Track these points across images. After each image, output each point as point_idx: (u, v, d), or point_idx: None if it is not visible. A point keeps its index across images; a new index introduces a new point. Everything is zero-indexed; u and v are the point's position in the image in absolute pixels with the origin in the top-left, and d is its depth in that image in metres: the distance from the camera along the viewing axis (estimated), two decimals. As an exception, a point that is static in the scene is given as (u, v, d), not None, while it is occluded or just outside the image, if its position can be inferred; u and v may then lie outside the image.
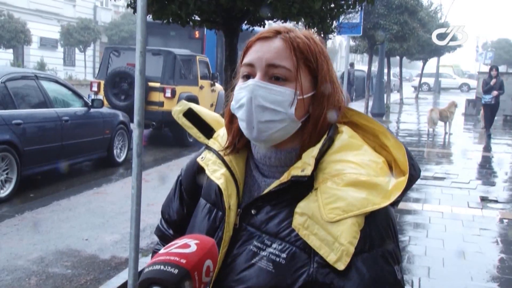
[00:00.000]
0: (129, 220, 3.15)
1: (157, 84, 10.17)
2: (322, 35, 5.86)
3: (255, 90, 1.03)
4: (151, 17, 4.31)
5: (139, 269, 3.20)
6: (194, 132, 1.23)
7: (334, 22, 5.76)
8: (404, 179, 1.00)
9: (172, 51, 10.60)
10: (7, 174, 6.16)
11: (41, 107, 6.92)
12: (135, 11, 3.59)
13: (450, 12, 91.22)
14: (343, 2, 4.83)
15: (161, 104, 10.15)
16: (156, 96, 10.18)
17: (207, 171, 1.15)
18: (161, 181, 7.27)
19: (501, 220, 6.05)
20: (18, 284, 3.97)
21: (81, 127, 7.60)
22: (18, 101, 6.58)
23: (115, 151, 8.43)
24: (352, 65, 23.65)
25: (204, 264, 0.93)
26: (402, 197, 1.00)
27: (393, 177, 1.02)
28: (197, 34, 13.83)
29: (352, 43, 16.93)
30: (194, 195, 1.23)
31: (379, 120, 1.14)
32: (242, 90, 1.06)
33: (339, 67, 47.23)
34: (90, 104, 7.84)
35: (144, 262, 3.56)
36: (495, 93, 13.06)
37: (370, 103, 17.06)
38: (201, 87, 11.39)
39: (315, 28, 4.85)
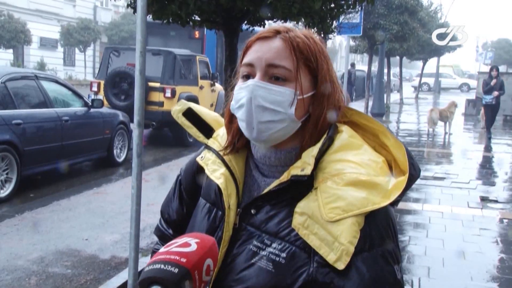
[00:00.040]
0: (129, 220, 3.15)
1: (157, 84, 10.17)
2: (322, 35, 5.86)
3: (255, 91, 1.03)
4: (151, 17, 4.31)
5: (139, 269, 3.21)
6: (193, 131, 1.23)
7: (334, 22, 5.76)
8: (404, 179, 0.99)
9: (172, 51, 10.60)
10: (7, 174, 6.16)
11: (41, 107, 6.92)
12: (135, 11, 3.59)
13: (450, 12, 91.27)
14: (343, 2, 4.83)
15: (161, 104, 10.15)
16: (156, 96, 10.18)
17: (206, 171, 1.15)
18: (161, 181, 7.27)
19: (501, 220, 6.05)
20: (18, 284, 3.97)
21: (81, 127, 7.61)
22: (18, 101, 6.58)
23: (115, 151, 8.43)
24: (353, 65, 23.64)
25: (204, 263, 0.93)
26: (402, 196, 0.99)
27: (393, 176, 1.02)
28: (197, 34, 13.84)
29: (352, 43, 16.93)
30: (193, 195, 1.23)
31: (379, 120, 1.13)
32: (242, 90, 1.06)
33: (339, 67, 47.24)
34: (90, 104, 7.84)
35: (144, 262, 3.56)
36: (496, 93, 13.05)
37: (370, 103, 17.06)
38: (201, 87, 11.39)
39: (315, 28, 4.85)
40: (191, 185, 1.24)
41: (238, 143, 1.14)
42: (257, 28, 4.59)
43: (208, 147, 1.19)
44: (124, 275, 3.92)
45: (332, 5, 4.77)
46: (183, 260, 0.90)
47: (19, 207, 5.95)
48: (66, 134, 7.14)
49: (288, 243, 1.01)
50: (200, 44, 14.36)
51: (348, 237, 0.95)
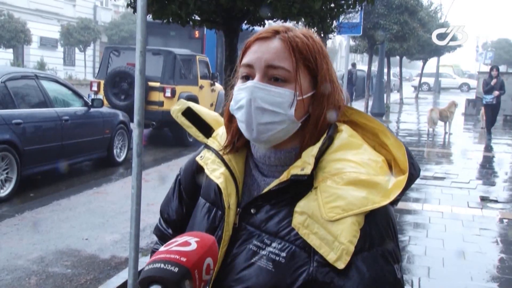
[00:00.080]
0: (129, 220, 3.15)
1: (157, 84, 10.18)
2: (322, 35, 5.87)
3: (254, 92, 1.03)
4: (151, 17, 4.31)
5: (139, 268, 3.21)
6: (193, 131, 1.23)
7: (334, 22, 5.75)
8: (403, 178, 0.99)
9: (172, 51, 10.60)
10: (7, 173, 6.16)
11: (41, 106, 6.92)
12: (135, 11, 3.59)
13: (450, 12, 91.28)
14: (343, 2, 4.82)
15: (161, 103, 10.15)
16: (156, 96, 10.18)
17: (206, 170, 1.15)
18: (161, 181, 7.27)
19: (501, 220, 6.05)
20: (18, 283, 3.98)
21: (81, 127, 7.61)
22: (18, 100, 6.58)
23: (115, 151, 8.43)
24: (354, 65, 23.62)
25: (204, 262, 0.93)
26: (401, 196, 0.99)
27: (392, 176, 1.02)
28: (197, 34, 13.84)
29: (352, 43, 16.93)
30: (193, 195, 1.22)
31: (379, 120, 1.13)
32: (241, 92, 1.05)
33: (339, 67, 47.19)
34: (90, 103, 7.84)
35: (144, 261, 3.56)
36: (496, 93, 13.04)
37: (370, 103, 17.06)
38: (201, 87, 11.39)
39: (315, 28, 4.84)
40: (191, 184, 1.23)
41: (238, 143, 1.14)
42: (257, 28, 4.58)
43: (207, 147, 1.19)
44: (124, 275, 3.92)
45: (332, 5, 4.76)
46: (183, 259, 0.90)
47: (19, 207, 5.95)
48: (66, 134, 7.14)
49: (288, 243, 1.01)
50: (200, 44, 14.36)
51: (348, 236, 0.95)
